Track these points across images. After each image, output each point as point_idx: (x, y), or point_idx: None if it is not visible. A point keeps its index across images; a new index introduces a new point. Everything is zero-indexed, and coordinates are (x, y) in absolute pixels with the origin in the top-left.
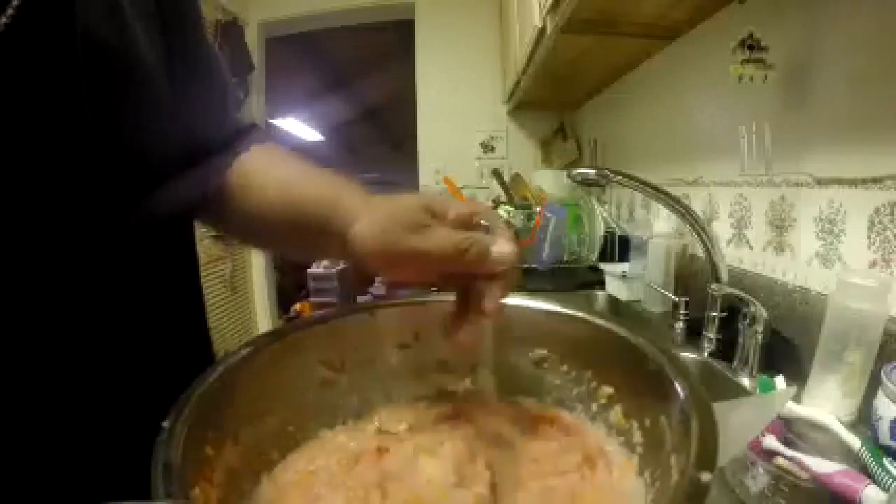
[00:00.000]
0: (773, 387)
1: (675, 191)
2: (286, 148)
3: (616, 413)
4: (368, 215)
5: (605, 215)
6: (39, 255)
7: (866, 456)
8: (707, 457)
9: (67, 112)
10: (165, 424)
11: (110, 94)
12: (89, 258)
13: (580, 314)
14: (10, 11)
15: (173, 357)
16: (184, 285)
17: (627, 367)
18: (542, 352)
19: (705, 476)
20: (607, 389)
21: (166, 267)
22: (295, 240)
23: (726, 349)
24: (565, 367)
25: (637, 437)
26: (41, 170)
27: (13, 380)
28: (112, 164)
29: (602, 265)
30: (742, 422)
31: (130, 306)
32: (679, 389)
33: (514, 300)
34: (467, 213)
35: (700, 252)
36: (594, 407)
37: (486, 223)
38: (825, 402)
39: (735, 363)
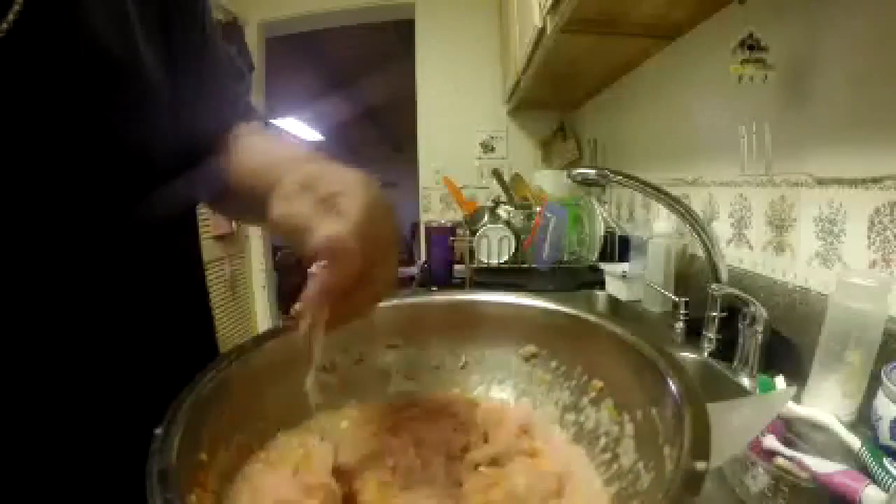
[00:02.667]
0: (773, 387)
1: (675, 191)
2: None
3: (607, 406)
4: (283, 186)
5: (605, 215)
6: (43, 257)
7: (866, 456)
8: (701, 447)
9: (69, 115)
10: (158, 431)
11: (112, 97)
12: (92, 259)
13: (570, 310)
14: (10, 18)
15: (179, 356)
16: (188, 285)
17: (618, 361)
18: (532, 347)
19: (700, 465)
20: (597, 383)
21: (171, 267)
22: (256, 212)
23: (726, 349)
24: (555, 363)
25: (629, 429)
26: (43, 172)
27: (16, 379)
28: (113, 165)
29: (602, 265)
30: (742, 422)
31: (135, 306)
32: (671, 383)
33: (503, 297)
34: (325, 193)
35: (700, 252)
36: (585, 401)
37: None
38: (825, 402)
39: (735, 363)
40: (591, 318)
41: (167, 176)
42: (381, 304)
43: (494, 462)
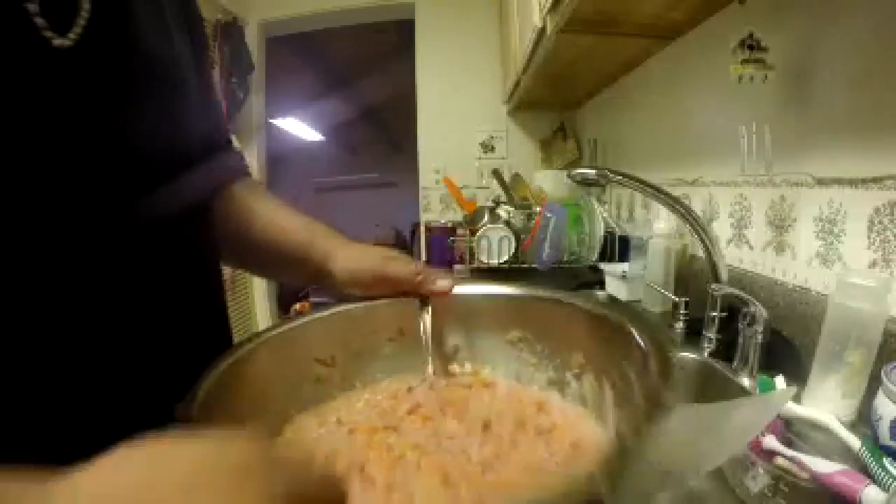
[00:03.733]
0: (773, 387)
1: (675, 191)
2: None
3: (588, 378)
4: (345, 252)
5: (605, 215)
6: (72, 249)
7: (866, 456)
8: (665, 369)
9: (124, 118)
10: (180, 405)
11: (159, 99)
12: (121, 249)
13: (545, 293)
14: (80, 24)
15: (194, 347)
16: (205, 276)
17: (591, 332)
18: (517, 332)
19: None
20: (578, 358)
21: (189, 257)
22: (277, 267)
23: (726, 349)
24: (539, 346)
25: (609, 396)
26: (97, 171)
27: (30, 373)
28: (154, 163)
29: (602, 265)
30: (742, 422)
31: (153, 296)
32: (636, 334)
33: (485, 288)
34: (396, 255)
35: (700, 252)
36: (568, 375)
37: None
38: (825, 402)
39: (735, 363)
40: (564, 297)
41: (187, 167)
42: (382, 303)
43: (515, 435)
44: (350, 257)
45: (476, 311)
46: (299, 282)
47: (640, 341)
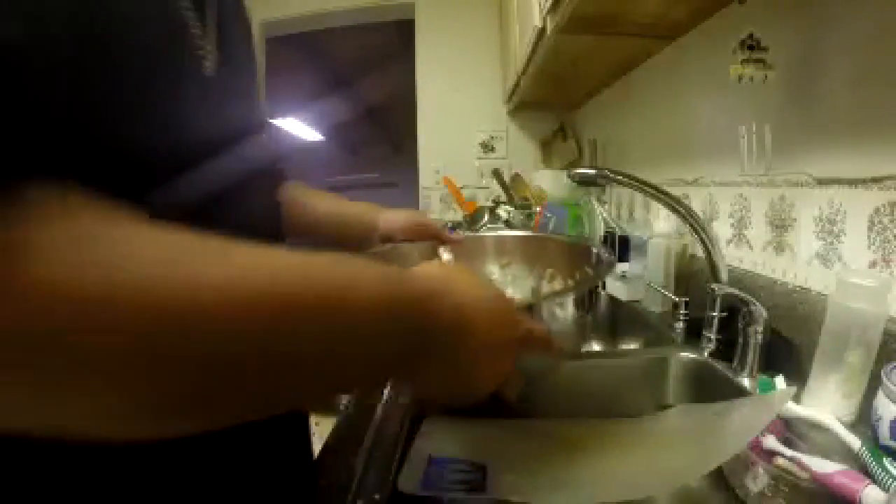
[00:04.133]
0: (773, 387)
1: (675, 191)
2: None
3: (558, 283)
4: (387, 211)
5: (605, 215)
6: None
7: (866, 456)
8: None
9: (231, 131)
10: None
11: (251, 109)
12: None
13: (528, 233)
14: (214, 51)
15: None
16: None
17: (561, 253)
18: (506, 259)
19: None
20: (550, 271)
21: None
22: (338, 237)
23: (726, 349)
24: (522, 266)
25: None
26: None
27: None
28: (244, 158)
29: None
30: (742, 422)
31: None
32: (592, 249)
33: (482, 233)
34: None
35: (700, 252)
36: (544, 283)
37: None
38: (825, 403)
39: (735, 363)
40: (544, 234)
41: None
42: (400, 248)
43: None
44: (392, 213)
45: (477, 249)
46: (354, 242)
47: (593, 250)
